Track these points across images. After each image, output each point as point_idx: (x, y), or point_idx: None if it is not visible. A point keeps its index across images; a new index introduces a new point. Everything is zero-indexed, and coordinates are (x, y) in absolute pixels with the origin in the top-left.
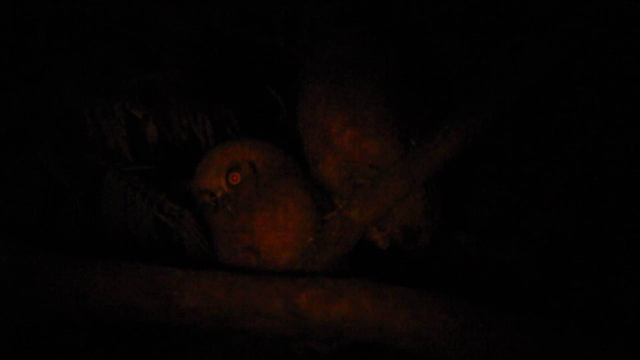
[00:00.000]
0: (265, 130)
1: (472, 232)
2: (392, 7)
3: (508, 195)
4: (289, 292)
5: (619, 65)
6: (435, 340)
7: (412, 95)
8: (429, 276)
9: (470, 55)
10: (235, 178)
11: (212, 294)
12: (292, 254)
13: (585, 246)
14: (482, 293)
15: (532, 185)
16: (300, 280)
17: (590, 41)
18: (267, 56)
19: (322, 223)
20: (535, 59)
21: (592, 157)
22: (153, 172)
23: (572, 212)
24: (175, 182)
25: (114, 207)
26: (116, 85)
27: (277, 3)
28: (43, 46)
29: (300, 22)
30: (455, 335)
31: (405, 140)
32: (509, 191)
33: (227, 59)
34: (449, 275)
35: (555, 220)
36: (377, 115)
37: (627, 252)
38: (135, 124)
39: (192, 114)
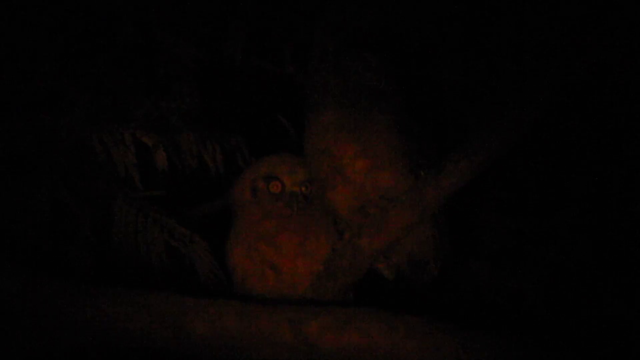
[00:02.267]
0: None
1: (482, 259)
2: (400, 35)
3: (519, 223)
4: (300, 321)
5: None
6: None
7: (421, 125)
8: (439, 303)
9: (479, 82)
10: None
11: (223, 323)
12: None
13: (597, 274)
14: (492, 321)
15: (543, 213)
16: (311, 309)
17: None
18: (277, 84)
19: (332, 251)
20: (545, 88)
21: (602, 186)
22: (163, 198)
23: (583, 240)
24: (185, 209)
25: (125, 233)
26: (126, 113)
27: (288, 31)
28: (53, 73)
29: (311, 50)
30: None
31: (415, 172)
32: (520, 219)
33: (238, 86)
34: (460, 303)
35: (566, 249)
36: (389, 146)
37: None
38: (145, 151)
39: (202, 142)
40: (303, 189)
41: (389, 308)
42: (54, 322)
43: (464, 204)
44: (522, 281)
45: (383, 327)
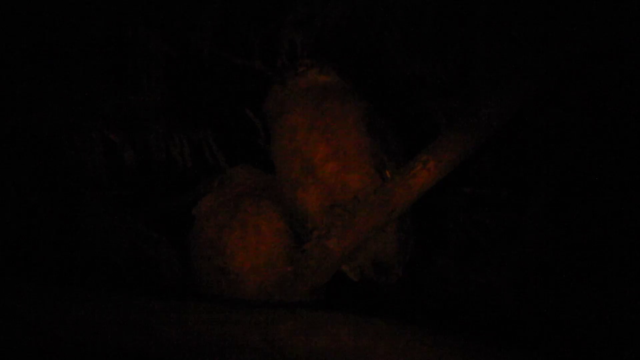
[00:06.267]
0: (242, 151)
1: (450, 256)
2: (368, 33)
3: (486, 219)
4: (268, 324)
5: (598, 88)
6: None
7: (388, 124)
8: (406, 302)
9: (449, 80)
10: None
11: (191, 326)
12: (262, 279)
13: (563, 270)
14: (460, 317)
15: (509, 209)
16: (280, 312)
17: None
18: (245, 78)
19: (301, 252)
20: (516, 88)
21: (569, 182)
22: (132, 195)
23: (549, 236)
24: (153, 204)
25: (92, 232)
26: (95, 107)
27: (256, 26)
28: (21, 69)
29: (278, 45)
30: None
31: (381, 171)
32: (487, 215)
33: (206, 81)
34: (427, 300)
35: (532, 244)
36: (358, 147)
37: (604, 276)
38: (113, 146)
39: (170, 136)
40: None
41: (357, 310)
42: (21, 325)
43: (431, 199)
44: (490, 277)
45: (352, 331)
